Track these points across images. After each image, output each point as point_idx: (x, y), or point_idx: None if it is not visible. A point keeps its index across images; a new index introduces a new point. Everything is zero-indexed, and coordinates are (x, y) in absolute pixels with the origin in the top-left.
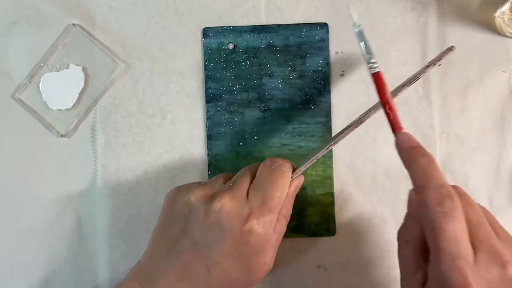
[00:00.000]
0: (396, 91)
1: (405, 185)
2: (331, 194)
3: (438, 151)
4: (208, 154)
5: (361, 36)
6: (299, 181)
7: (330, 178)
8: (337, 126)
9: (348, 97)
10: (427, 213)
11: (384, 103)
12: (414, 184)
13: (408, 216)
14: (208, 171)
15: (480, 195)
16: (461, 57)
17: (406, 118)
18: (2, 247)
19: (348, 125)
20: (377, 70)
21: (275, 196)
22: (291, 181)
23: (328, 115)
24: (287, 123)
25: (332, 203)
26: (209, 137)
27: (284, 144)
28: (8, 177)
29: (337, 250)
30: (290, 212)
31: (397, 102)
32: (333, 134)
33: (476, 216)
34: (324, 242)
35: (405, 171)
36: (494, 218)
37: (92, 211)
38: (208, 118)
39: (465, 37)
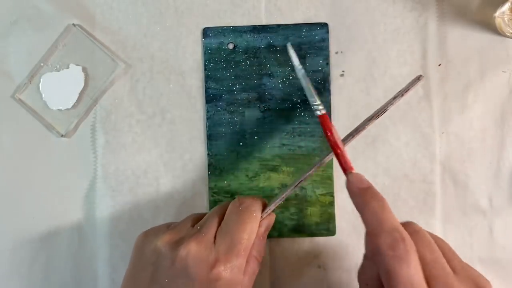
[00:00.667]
0: (364, 124)
1: (405, 185)
2: (331, 194)
3: (438, 151)
4: (208, 154)
5: (305, 78)
6: (270, 220)
7: (330, 178)
8: (337, 126)
9: (348, 97)
10: (380, 258)
11: (333, 146)
12: (366, 228)
13: (366, 258)
14: (208, 171)
15: (480, 195)
16: (461, 57)
17: (406, 118)
18: (2, 247)
19: (315, 164)
20: (322, 112)
21: (243, 239)
22: (261, 220)
23: (328, 115)
24: (287, 123)
25: (332, 203)
26: (209, 137)
27: (284, 144)
28: (8, 177)
29: (337, 250)
30: (262, 252)
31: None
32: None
33: (431, 253)
34: (324, 242)
35: (405, 171)
36: (449, 248)
37: (92, 211)
38: (208, 118)
39: (465, 37)
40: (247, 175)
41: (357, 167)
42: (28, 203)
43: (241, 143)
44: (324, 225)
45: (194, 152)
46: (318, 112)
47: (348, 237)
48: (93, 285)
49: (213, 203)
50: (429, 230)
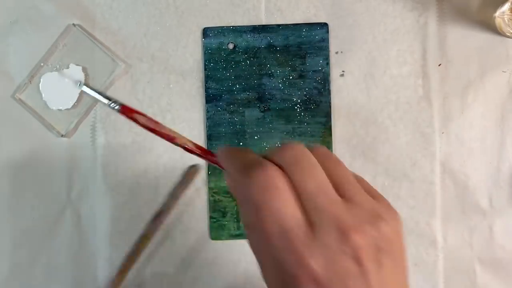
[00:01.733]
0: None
1: (405, 185)
2: None
3: (438, 151)
4: None
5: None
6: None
7: None
8: (337, 126)
9: (348, 97)
10: (249, 195)
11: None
12: (232, 179)
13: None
14: (208, 171)
15: (480, 195)
16: (461, 57)
17: (406, 118)
18: (2, 247)
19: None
20: (121, 105)
21: None
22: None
23: (328, 115)
24: (287, 123)
25: None
26: (209, 137)
27: None
28: (8, 177)
29: None
30: None
31: (397, 103)
32: (333, 134)
33: (314, 182)
34: None
35: (405, 171)
36: (342, 167)
37: (92, 211)
38: (208, 118)
39: (465, 37)
40: None
41: (357, 168)
42: (28, 203)
43: (241, 143)
44: None
45: None
46: (117, 107)
47: None
48: (93, 285)
49: (213, 203)
50: (429, 230)
